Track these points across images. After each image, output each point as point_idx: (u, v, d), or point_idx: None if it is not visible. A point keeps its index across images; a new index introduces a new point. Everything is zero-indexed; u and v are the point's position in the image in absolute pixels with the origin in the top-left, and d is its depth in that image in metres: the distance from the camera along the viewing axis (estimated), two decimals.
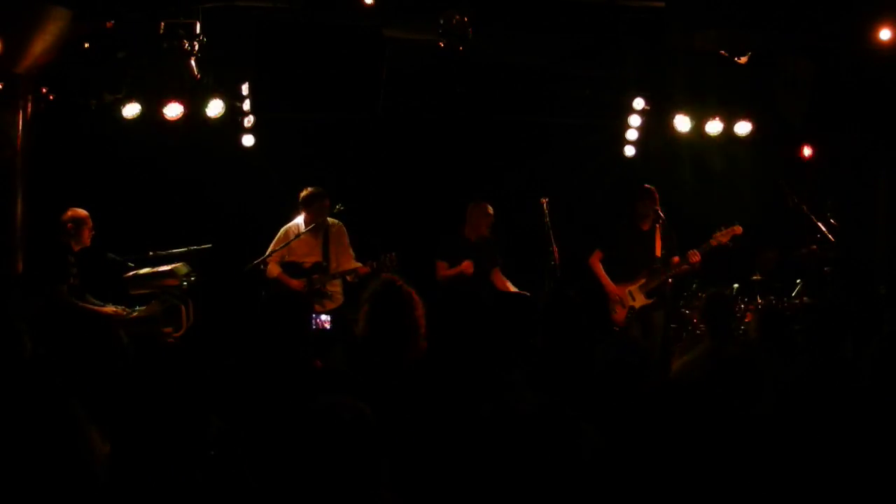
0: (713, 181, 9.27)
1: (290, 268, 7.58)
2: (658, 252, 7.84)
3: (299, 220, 7.62)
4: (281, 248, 7.51)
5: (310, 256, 7.59)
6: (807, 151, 8.79)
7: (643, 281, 7.81)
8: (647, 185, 8.06)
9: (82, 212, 7.15)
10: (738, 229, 7.90)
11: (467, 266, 7.70)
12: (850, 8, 7.14)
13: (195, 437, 2.84)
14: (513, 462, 2.66)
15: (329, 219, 7.65)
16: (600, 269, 7.99)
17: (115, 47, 7.58)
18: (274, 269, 7.56)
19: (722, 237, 7.88)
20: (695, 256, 7.79)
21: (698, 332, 7.90)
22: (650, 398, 2.76)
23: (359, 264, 7.55)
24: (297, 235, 7.56)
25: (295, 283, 7.47)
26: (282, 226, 7.76)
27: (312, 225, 7.54)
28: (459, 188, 8.72)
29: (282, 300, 4.33)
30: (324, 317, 7.10)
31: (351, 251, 7.72)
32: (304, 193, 7.61)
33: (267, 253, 7.53)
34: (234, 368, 4.01)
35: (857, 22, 7.19)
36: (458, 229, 7.94)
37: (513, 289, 7.80)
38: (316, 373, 4.06)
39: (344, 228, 7.75)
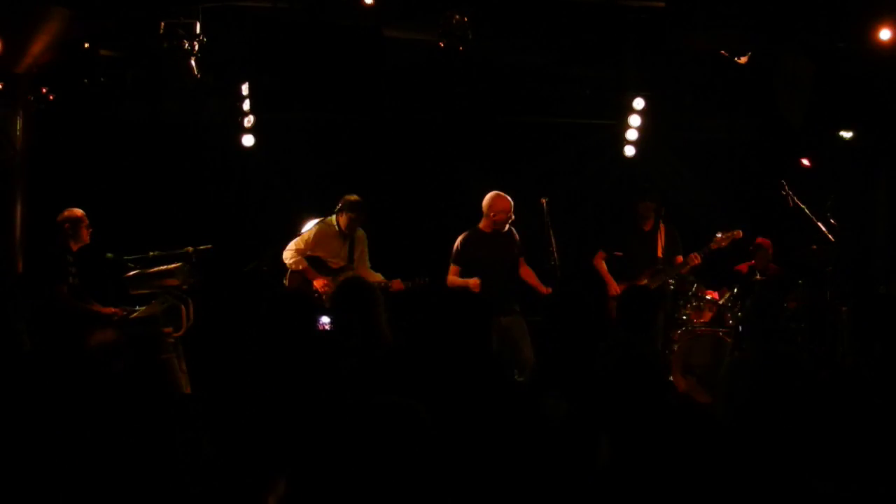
0: (713, 181, 9.28)
1: (316, 264, 7.57)
2: (660, 252, 7.83)
3: (333, 220, 7.57)
4: (306, 241, 7.52)
5: (336, 258, 7.59)
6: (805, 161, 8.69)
7: (645, 282, 7.80)
8: (647, 185, 8.07)
9: (78, 211, 7.14)
10: (739, 234, 7.94)
11: (474, 284, 7.19)
12: (850, 8, 7.13)
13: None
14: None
15: None
16: (604, 269, 8.00)
17: (115, 47, 7.59)
18: (300, 262, 7.53)
19: (723, 241, 7.91)
20: (695, 259, 7.83)
21: (698, 332, 7.90)
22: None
23: (380, 276, 7.54)
24: (321, 230, 7.54)
25: (319, 281, 7.46)
26: (282, 225, 7.76)
27: (343, 225, 7.54)
28: (459, 188, 8.72)
29: (289, 299, 4.33)
30: (324, 318, 7.08)
31: (368, 262, 7.73)
32: (354, 199, 7.52)
33: (300, 245, 7.49)
34: (237, 367, 4.01)
35: (857, 22, 7.18)
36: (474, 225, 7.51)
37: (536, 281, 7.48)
38: (320, 373, 4.06)
39: (366, 238, 7.75)
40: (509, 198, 7.36)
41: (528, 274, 7.47)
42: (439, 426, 2.61)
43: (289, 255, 7.53)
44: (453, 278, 7.33)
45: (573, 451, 2.99)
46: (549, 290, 7.29)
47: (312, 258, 7.58)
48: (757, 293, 7.85)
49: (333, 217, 7.57)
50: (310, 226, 7.56)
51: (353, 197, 7.55)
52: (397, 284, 7.43)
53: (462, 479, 3.04)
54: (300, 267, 7.50)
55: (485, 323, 3.95)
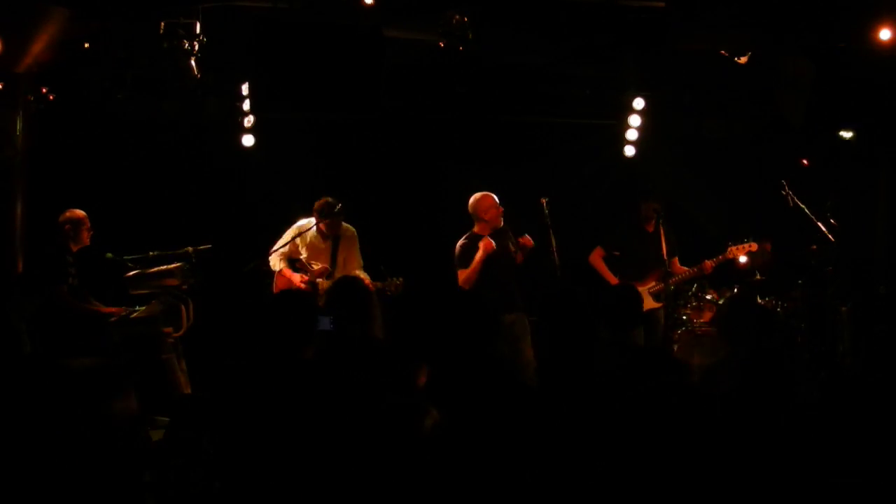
0: (713, 181, 9.27)
1: (297, 267, 7.60)
2: (665, 254, 7.84)
3: (312, 223, 7.59)
4: (284, 244, 7.54)
5: (318, 260, 7.59)
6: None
7: (652, 284, 7.80)
8: (650, 186, 8.06)
9: (79, 212, 7.15)
10: (755, 246, 7.92)
11: (487, 243, 7.17)
12: (850, 8, 7.13)
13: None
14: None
15: (344, 224, 7.63)
16: (604, 266, 7.98)
17: (115, 47, 7.59)
18: (281, 262, 7.57)
19: (738, 251, 7.91)
20: (709, 269, 7.84)
21: (698, 332, 7.90)
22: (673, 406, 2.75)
23: (367, 279, 7.52)
24: (300, 231, 7.55)
25: (297, 278, 7.48)
26: (282, 225, 7.76)
27: (320, 229, 7.54)
28: (459, 188, 8.71)
29: (289, 299, 4.35)
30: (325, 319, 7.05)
31: (360, 259, 7.69)
32: (319, 204, 7.50)
33: (276, 247, 7.54)
34: (235, 368, 4.01)
35: (857, 22, 7.18)
36: (469, 231, 7.48)
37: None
38: (319, 373, 4.06)
39: (356, 236, 7.70)
40: (490, 193, 7.38)
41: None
42: (449, 427, 2.61)
43: (271, 258, 7.56)
44: (465, 274, 7.23)
45: (576, 448, 2.99)
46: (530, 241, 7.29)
47: (295, 260, 7.59)
48: (731, 296, 7.85)
49: (312, 220, 7.59)
50: (295, 226, 7.60)
51: (322, 202, 7.51)
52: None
53: (472, 478, 3.04)
54: (278, 268, 7.55)
55: (487, 324, 3.94)
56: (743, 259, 7.99)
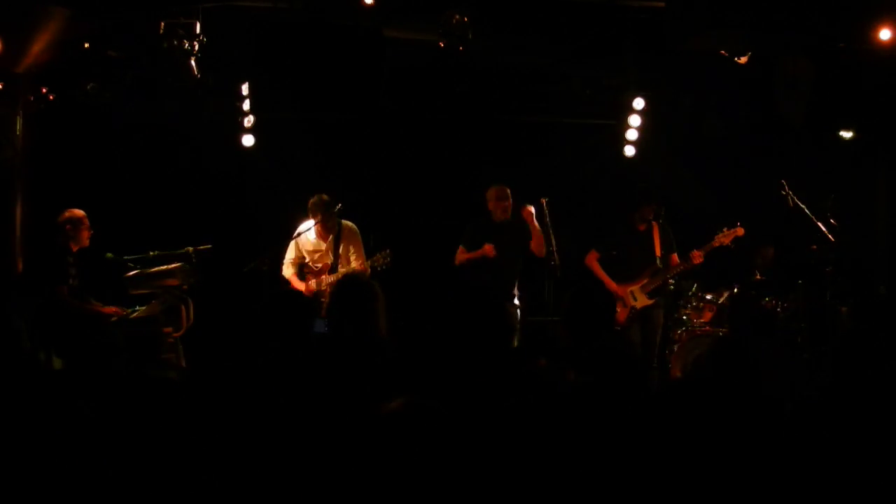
0: (713, 181, 9.27)
1: (302, 269, 7.64)
2: (658, 252, 7.83)
3: (309, 225, 7.61)
4: (292, 249, 7.63)
5: (321, 259, 7.61)
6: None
7: (645, 281, 7.79)
8: (645, 185, 8.04)
9: (79, 212, 7.14)
10: (741, 231, 7.90)
11: (489, 249, 7.45)
12: (850, 8, 7.13)
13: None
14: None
15: (344, 221, 7.63)
16: (599, 269, 7.96)
17: (115, 47, 7.60)
18: (288, 269, 7.63)
19: (724, 238, 7.88)
20: (697, 258, 7.78)
21: (698, 332, 7.90)
22: (656, 396, 2.75)
23: (355, 266, 7.54)
24: (298, 234, 7.58)
25: (300, 286, 7.52)
26: (282, 225, 7.79)
27: (317, 228, 7.56)
28: (459, 188, 8.73)
29: (289, 301, 4.36)
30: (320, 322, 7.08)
31: (363, 255, 7.68)
32: (312, 202, 7.55)
33: (286, 254, 7.65)
34: (233, 369, 4.00)
35: (857, 22, 7.19)
36: (484, 212, 7.72)
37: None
38: (316, 373, 4.06)
39: (356, 231, 7.69)
40: (502, 187, 7.59)
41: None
42: (460, 427, 2.60)
43: (283, 268, 7.65)
44: (461, 256, 7.61)
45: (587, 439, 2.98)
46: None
47: (301, 264, 7.62)
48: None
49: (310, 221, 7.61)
50: (295, 233, 7.63)
51: (311, 201, 7.54)
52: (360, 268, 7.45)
53: (483, 479, 3.03)
54: (287, 275, 7.61)
55: (496, 318, 3.93)
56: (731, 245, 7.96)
